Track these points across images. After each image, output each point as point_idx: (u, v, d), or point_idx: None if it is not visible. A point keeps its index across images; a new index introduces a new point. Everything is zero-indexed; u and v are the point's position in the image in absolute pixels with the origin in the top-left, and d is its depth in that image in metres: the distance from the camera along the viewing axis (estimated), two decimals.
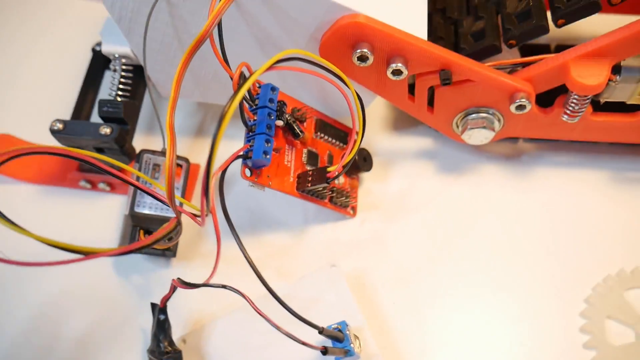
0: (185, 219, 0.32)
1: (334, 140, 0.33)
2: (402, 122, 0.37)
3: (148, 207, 0.30)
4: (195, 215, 0.25)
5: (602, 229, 0.32)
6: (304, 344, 0.23)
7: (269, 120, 0.27)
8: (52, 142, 0.32)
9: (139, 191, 0.30)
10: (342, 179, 0.33)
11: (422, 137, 0.37)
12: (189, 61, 0.25)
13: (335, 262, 0.31)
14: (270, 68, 0.24)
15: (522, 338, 0.29)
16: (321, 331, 0.24)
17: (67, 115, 0.34)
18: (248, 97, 0.28)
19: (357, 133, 0.29)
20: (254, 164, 0.27)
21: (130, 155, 0.31)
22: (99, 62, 0.35)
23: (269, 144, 0.27)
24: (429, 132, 0.37)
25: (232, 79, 0.27)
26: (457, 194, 0.34)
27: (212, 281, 0.25)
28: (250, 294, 0.30)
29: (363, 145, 0.34)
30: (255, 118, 0.28)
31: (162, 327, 0.27)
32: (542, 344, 0.29)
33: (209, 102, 0.35)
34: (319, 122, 0.32)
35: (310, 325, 0.24)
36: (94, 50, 0.35)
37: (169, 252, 0.31)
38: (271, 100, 0.28)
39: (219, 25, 0.26)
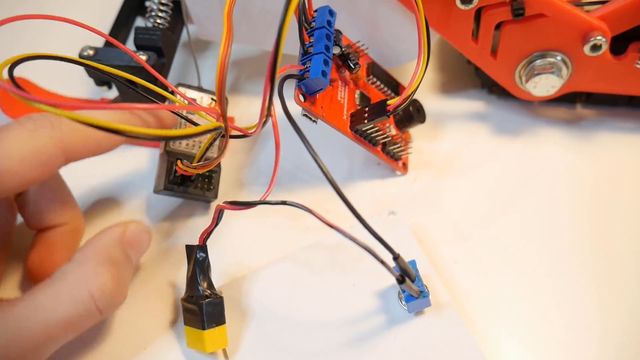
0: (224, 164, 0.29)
1: (385, 88, 0.30)
2: (452, 86, 0.35)
3: (185, 144, 0.27)
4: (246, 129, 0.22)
5: None
6: (382, 263, 0.20)
7: (328, 42, 0.25)
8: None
9: None
10: (393, 130, 0.30)
11: (473, 100, 0.34)
12: None
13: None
14: None
15: (590, 300, 0.26)
16: (397, 257, 0.21)
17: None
18: (303, 19, 0.25)
19: (422, 60, 0.26)
20: (309, 86, 0.24)
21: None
22: (131, 5, 0.32)
23: (328, 65, 0.24)
24: (481, 96, 0.34)
25: None
26: (513, 156, 0.31)
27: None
28: (296, 246, 0.27)
29: None
30: (311, 40, 0.25)
31: (201, 267, 0.23)
32: (612, 306, 0.26)
33: (250, 46, 0.32)
34: (371, 66, 0.30)
35: (386, 247, 0.20)
36: None
37: (209, 193, 0.28)
38: (329, 23, 0.25)
39: None
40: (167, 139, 0.25)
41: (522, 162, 0.31)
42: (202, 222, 0.29)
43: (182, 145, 0.27)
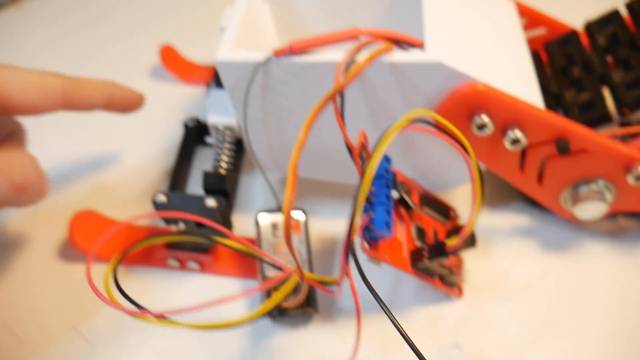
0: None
1: (437, 216, 0.32)
2: (495, 199, 0.36)
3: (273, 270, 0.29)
4: (323, 284, 0.24)
5: None
6: None
7: (387, 191, 0.27)
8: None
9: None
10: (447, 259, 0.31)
11: (517, 213, 0.35)
12: (311, 124, 0.25)
13: (449, 341, 0.29)
14: (400, 129, 0.23)
15: None
16: None
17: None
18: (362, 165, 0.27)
19: (475, 203, 0.28)
20: (374, 236, 0.26)
21: (229, 227, 0.30)
22: (191, 137, 0.34)
23: (390, 215, 0.26)
24: (524, 209, 0.35)
25: (348, 147, 0.26)
26: (560, 274, 0.32)
27: None
28: None
29: (460, 223, 0.33)
30: (371, 189, 0.27)
31: None
32: None
33: (308, 177, 0.34)
34: (423, 197, 0.31)
35: None
36: (185, 125, 0.35)
37: (310, 309, 0.29)
38: (386, 171, 0.27)
39: (341, 94, 0.26)
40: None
41: (570, 280, 0.32)
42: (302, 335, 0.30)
43: (275, 273, 0.29)
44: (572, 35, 0.33)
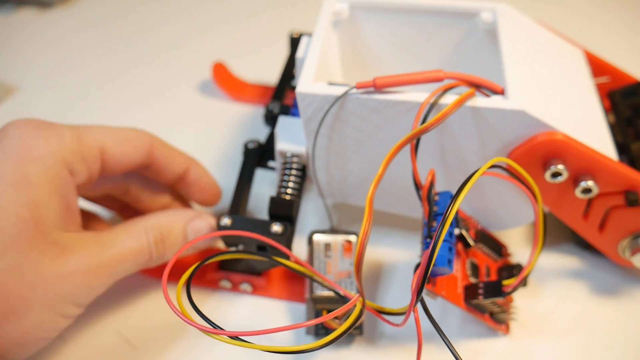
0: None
1: (491, 253, 0.32)
2: (547, 239, 0.36)
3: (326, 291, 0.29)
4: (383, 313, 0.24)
5: None
6: None
7: (450, 228, 0.27)
8: None
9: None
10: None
11: (567, 255, 0.36)
12: (388, 164, 0.25)
13: None
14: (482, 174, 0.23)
15: None
16: None
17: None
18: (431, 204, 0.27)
19: (537, 247, 0.28)
20: (434, 272, 0.26)
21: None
22: (252, 159, 0.35)
23: (452, 252, 0.26)
24: (574, 251, 0.36)
25: (417, 187, 0.27)
26: (609, 319, 0.33)
27: None
28: None
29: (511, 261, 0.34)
30: (434, 225, 0.27)
31: None
32: None
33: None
34: (479, 234, 0.32)
35: None
36: (246, 146, 0.35)
37: (355, 331, 0.30)
38: None
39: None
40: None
41: (617, 327, 0.32)
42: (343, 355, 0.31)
43: (325, 290, 0.29)
44: (637, 86, 0.34)
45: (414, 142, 0.27)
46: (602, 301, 0.33)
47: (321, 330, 0.30)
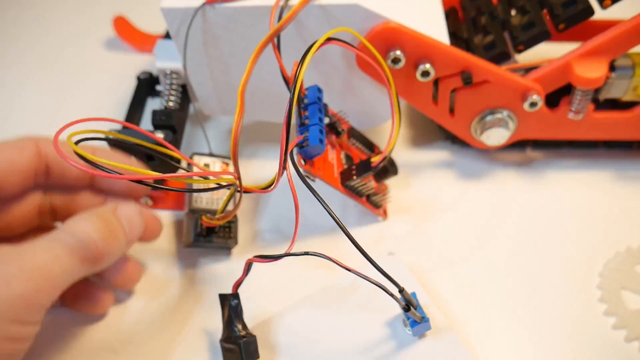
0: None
1: (363, 148, 0.36)
2: (421, 139, 0.41)
3: (205, 202, 0.32)
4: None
5: (607, 218, 0.36)
6: (391, 295, 0.25)
7: (320, 114, 0.30)
8: None
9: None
10: (372, 183, 0.36)
11: (439, 150, 0.40)
12: (255, 61, 0.28)
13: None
14: (323, 44, 0.27)
15: (549, 312, 0.31)
16: (401, 290, 0.26)
17: None
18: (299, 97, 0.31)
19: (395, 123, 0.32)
20: (309, 152, 0.30)
21: (178, 163, 0.34)
22: (143, 89, 0.38)
23: (322, 134, 0.30)
24: (446, 146, 0.40)
25: (286, 81, 0.30)
26: (478, 198, 0.37)
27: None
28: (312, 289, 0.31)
29: None
30: (306, 114, 0.30)
31: (235, 312, 0.28)
32: (567, 316, 0.31)
33: (254, 119, 0.38)
34: (351, 130, 0.35)
35: (392, 282, 0.25)
36: (138, 78, 0.38)
37: (231, 241, 0.32)
38: (319, 99, 0.31)
39: (278, 35, 0.29)
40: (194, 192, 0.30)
41: (485, 202, 0.37)
42: (225, 267, 0.33)
43: (202, 204, 0.32)
44: None
45: (275, 41, 0.30)
46: (472, 183, 0.38)
47: (202, 232, 0.32)
